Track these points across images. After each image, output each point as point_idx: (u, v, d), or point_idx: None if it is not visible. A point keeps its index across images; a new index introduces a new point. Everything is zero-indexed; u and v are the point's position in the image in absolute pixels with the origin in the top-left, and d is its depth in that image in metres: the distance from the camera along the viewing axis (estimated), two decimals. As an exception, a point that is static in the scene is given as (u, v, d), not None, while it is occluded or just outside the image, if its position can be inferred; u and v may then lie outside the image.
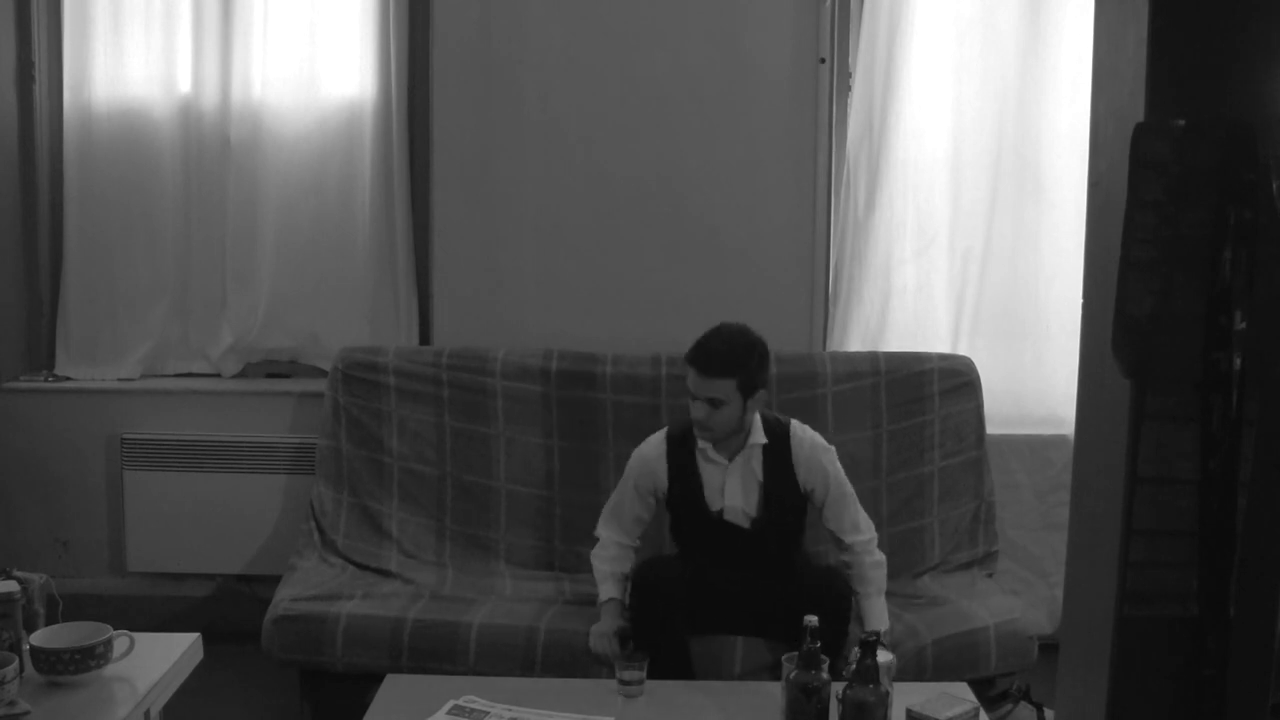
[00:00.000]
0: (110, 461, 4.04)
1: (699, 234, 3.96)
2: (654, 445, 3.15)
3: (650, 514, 3.19)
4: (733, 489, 3.08)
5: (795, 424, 3.14)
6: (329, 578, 3.45)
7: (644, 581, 3.05)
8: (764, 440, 3.07)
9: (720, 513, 3.09)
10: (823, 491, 3.10)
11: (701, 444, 3.07)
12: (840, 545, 3.12)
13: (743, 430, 3.05)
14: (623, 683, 2.69)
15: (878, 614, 3.04)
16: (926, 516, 3.63)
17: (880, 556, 3.11)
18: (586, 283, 3.99)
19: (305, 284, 4.08)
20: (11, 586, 2.26)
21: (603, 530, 3.19)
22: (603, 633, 3.06)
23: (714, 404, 2.96)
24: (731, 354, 2.98)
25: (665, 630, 2.96)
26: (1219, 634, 1.42)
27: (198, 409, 4.04)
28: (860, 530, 3.11)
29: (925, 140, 3.89)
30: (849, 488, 3.13)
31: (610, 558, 3.14)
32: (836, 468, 3.12)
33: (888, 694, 2.38)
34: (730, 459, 3.07)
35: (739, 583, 3.09)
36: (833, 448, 3.15)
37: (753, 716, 2.61)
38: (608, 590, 3.11)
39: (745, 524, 3.10)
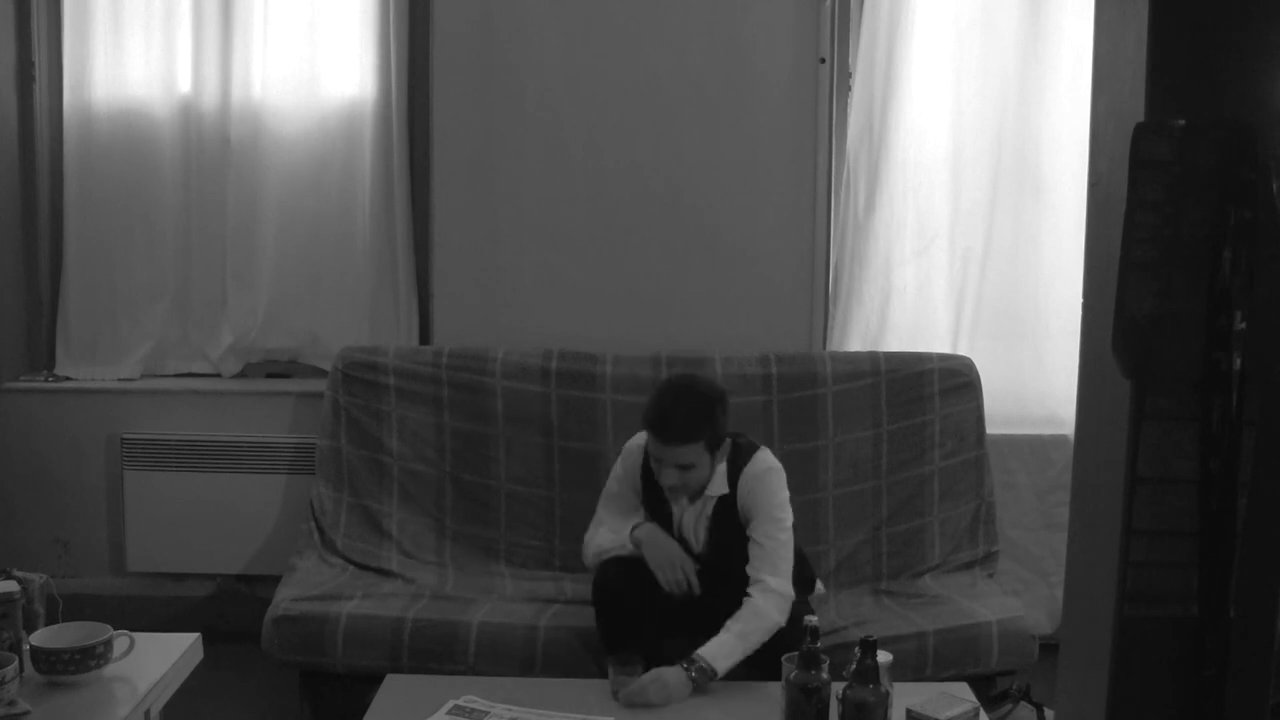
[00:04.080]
0: (110, 461, 4.04)
1: (699, 234, 3.96)
2: (638, 439, 3.07)
3: (639, 519, 3.08)
4: (688, 525, 3.02)
5: (759, 453, 2.98)
6: (329, 578, 3.45)
7: (606, 579, 2.96)
8: (724, 490, 2.94)
9: (679, 532, 3.03)
10: (752, 511, 2.92)
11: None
12: (748, 580, 2.85)
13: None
14: (618, 685, 2.69)
15: (717, 649, 2.73)
16: (926, 516, 3.63)
17: (773, 614, 2.79)
18: (586, 283, 3.98)
19: (305, 284, 4.07)
20: (11, 586, 2.27)
21: (589, 531, 3.10)
22: (670, 560, 2.87)
23: (683, 469, 2.86)
24: (693, 416, 2.84)
25: (631, 624, 2.89)
26: (1219, 634, 1.42)
27: (198, 409, 4.04)
28: (778, 576, 2.83)
29: (925, 140, 3.89)
30: (784, 527, 2.90)
31: (611, 528, 3.03)
32: (774, 494, 2.92)
33: (888, 694, 2.38)
34: (691, 502, 3.00)
35: (695, 601, 2.96)
36: (782, 473, 2.96)
37: (753, 716, 2.61)
38: (630, 527, 2.96)
39: (697, 553, 3.02)
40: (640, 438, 3.07)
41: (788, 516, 2.95)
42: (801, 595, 3.01)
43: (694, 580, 2.90)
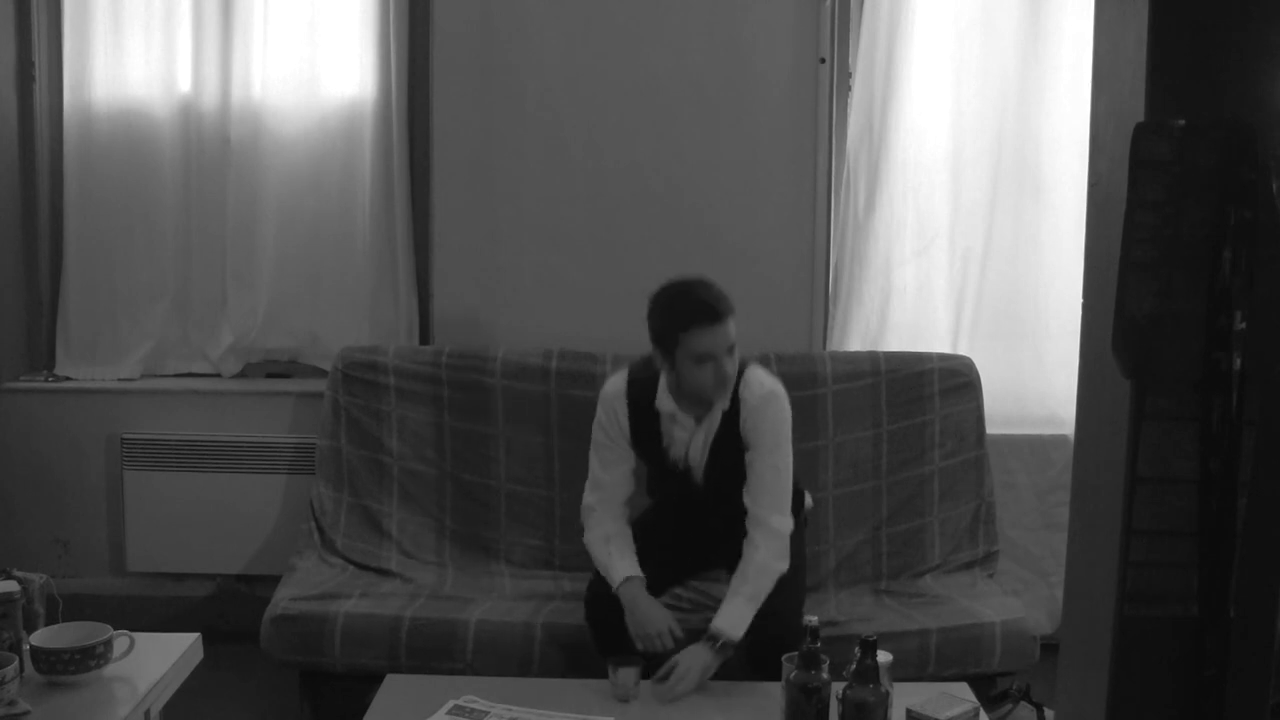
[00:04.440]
0: (110, 461, 4.04)
1: (699, 234, 3.96)
2: (615, 383, 3.01)
3: (632, 461, 3.01)
4: (696, 448, 2.95)
5: (750, 370, 2.92)
6: (328, 577, 3.45)
7: (598, 594, 2.95)
8: (726, 405, 2.88)
9: (683, 464, 2.98)
10: (754, 438, 2.87)
11: (669, 409, 2.92)
12: (747, 518, 2.86)
13: None
14: (617, 685, 2.69)
15: (734, 618, 2.76)
16: (926, 516, 3.63)
17: (777, 565, 2.82)
18: (586, 283, 3.98)
19: (305, 284, 4.08)
20: (11, 586, 2.27)
21: (589, 495, 3.03)
22: (648, 631, 2.82)
23: (730, 351, 2.79)
24: (720, 289, 2.84)
25: (624, 637, 2.86)
26: (1219, 634, 1.42)
27: (198, 409, 4.04)
28: (779, 512, 2.85)
29: (925, 140, 3.89)
30: (786, 454, 2.89)
31: (605, 536, 2.97)
32: (779, 422, 2.89)
33: (888, 694, 2.38)
34: (698, 422, 2.94)
35: (695, 555, 2.98)
36: (785, 400, 2.92)
37: (753, 716, 2.61)
38: (623, 569, 2.89)
39: (700, 478, 2.98)
40: (616, 384, 3.01)
41: (789, 441, 2.93)
42: (794, 511, 2.97)
43: (676, 635, 2.85)
